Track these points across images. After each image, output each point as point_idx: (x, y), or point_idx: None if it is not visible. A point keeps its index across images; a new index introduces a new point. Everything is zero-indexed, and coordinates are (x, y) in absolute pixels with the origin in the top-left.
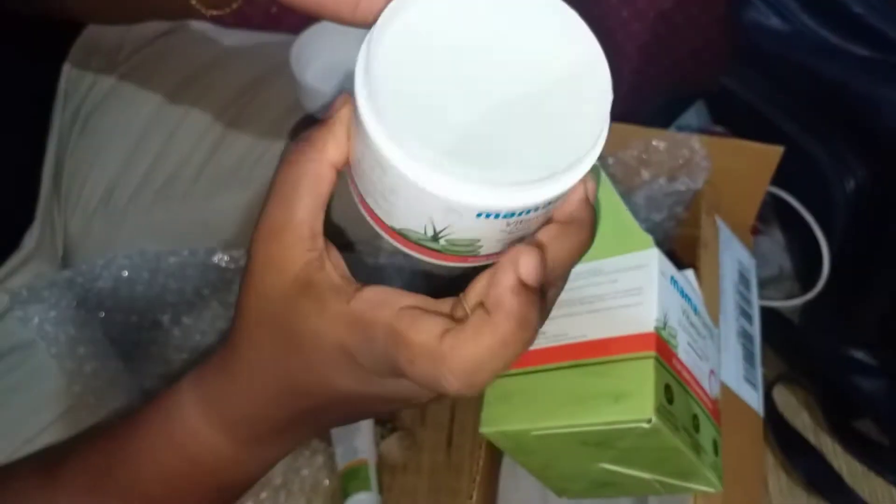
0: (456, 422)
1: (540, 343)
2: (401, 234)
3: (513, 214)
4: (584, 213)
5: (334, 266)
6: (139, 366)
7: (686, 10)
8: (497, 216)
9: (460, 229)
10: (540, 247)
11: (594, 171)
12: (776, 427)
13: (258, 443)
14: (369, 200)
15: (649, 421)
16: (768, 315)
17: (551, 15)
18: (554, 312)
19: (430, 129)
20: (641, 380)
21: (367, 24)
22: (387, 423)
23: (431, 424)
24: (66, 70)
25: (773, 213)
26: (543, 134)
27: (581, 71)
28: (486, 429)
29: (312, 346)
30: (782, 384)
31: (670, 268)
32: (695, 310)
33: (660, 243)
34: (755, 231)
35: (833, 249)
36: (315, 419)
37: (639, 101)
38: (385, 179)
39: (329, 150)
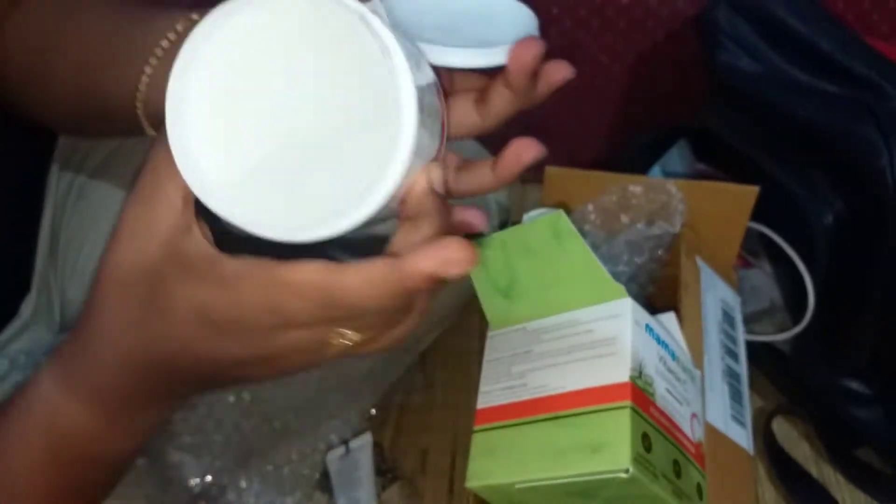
0: (456, 468)
1: (522, 395)
2: None
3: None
4: (427, 205)
5: (203, 235)
6: None
7: (663, 50)
8: None
9: None
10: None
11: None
12: (776, 459)
13: (124, 412)
14: None
15: (627, 471)
16: (762, 348)
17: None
18: (535, 363)
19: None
20: (618, 430)
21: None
22: (387, 473)
23: (432, 472)
24: (61, 141)
25: (762, 246)
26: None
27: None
28: (473, 483)
29: (171, 309)
30: (781, 416)
31: (645, 316)
32: (672, 356)
33: (643, 285)
34: (746, 264)
35: (817, 282)
36: (183, 386)
37: (623, 139)
38: None
39: None
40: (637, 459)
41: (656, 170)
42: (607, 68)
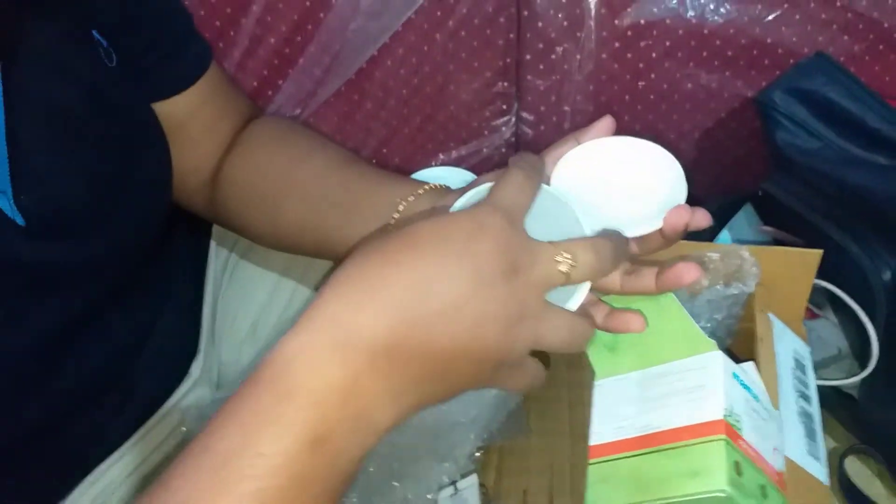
0: None
1: (630, 433)
2: None
3: None
4: None
5: None
6: None
7: (726, 126)
8: None
9: None
10: None
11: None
12: (851, 497)
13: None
14: None
15: (724, 491)
16: (832, 392)
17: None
18: (640, 407)
19: None
20: (716, 458)
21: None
22: None
23: None
24: (215, 230)
25: (826, 299)
26: None
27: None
28: None
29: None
30: (854, 455)
31: (731, 365)
32: (756, 398)
33: (722, 339)
34: (813, 316)
35: (879, 331)
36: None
37: (693, 206)
38: None
39: None
40: (732, 481)
41: (725, 233)
42: (675, 145)
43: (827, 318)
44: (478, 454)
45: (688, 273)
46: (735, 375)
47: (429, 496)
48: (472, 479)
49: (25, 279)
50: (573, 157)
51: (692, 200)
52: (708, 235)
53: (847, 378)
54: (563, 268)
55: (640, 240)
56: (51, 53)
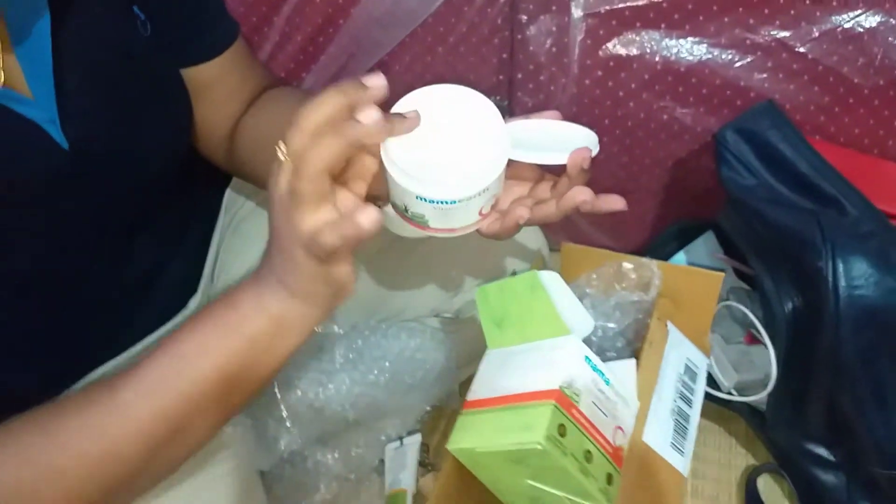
0: None
1: (492, 394)
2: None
3: (432, 201)
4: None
5: None
6: None
7: (697, 158)
8: (425, 201)
9: (413, 207)
10: None
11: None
12: None
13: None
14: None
15: (540, 444)
16: (751, 412)
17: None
18: (506, 373)
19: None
20: (542, 418)
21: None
22: (427, 465)
23: None
24: (228, 191)
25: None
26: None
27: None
28: (450, 447)
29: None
30: (769, 475)
31: (585, 349)
32: (607, 382)
33: (631, 340)
34: (752, 341)
35: (779, 356)
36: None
37: (659, 228)
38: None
39: None
40: (549, 438)
41: (681, 255)
42: (649, 170)
43: (766, 346)
44: (425, 416)
45: (580, 195)
46: (587, 359)
47: (377, 447)
48: (417, 438)
49: (65, 193)
50: (518, 124)
51: (658, 220)
52: (665, 255)
53: (753, 396)
54: (281, 157)
55: (554, 188)
56: (94, 20)
